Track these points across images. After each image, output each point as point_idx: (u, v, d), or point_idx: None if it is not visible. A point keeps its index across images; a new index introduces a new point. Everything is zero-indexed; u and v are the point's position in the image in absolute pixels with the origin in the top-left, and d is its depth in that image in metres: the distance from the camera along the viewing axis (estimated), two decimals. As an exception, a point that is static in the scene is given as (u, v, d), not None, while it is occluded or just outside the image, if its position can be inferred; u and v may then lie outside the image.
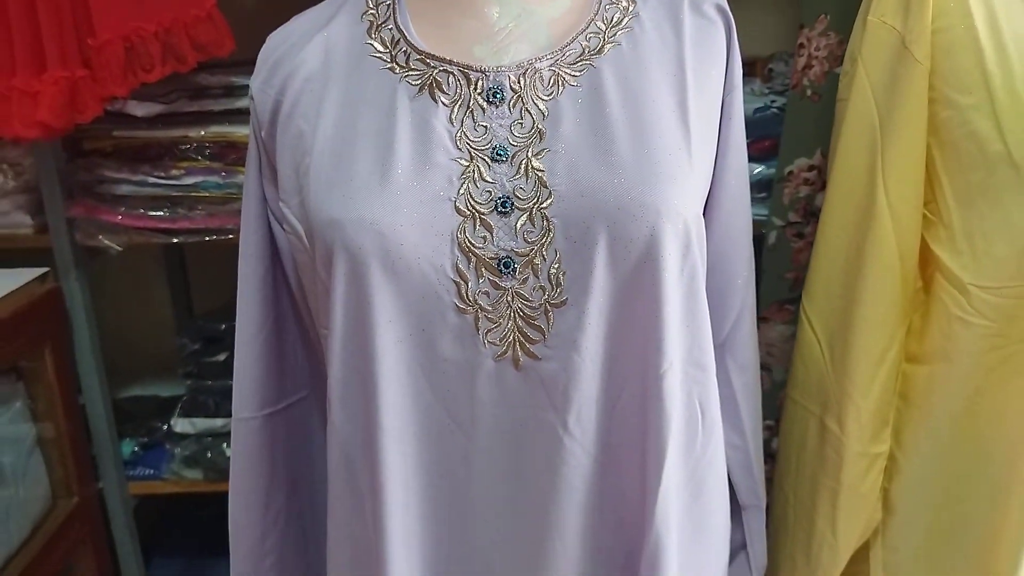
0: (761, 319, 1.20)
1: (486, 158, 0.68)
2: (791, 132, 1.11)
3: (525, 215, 0.68)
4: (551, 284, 0.68)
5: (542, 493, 0.72)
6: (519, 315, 0.69)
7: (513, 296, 0.68)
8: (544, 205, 0.67)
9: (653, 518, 0.71)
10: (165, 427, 1.43)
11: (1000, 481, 0.79)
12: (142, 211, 1.24)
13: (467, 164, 0.68)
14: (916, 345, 0.84)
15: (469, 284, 0.68)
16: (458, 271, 0.68)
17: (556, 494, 0.72)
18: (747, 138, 1.28)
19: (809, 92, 1.08)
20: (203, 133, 1.22)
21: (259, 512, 0.89)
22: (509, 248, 0.68)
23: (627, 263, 0.67)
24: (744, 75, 1.49)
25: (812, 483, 0.92)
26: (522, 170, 0.68)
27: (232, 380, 0.87)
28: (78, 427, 1.29)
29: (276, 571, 0.91)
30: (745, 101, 1.33)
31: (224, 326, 1.40)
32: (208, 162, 1.23)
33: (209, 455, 1.39)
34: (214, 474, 1.39)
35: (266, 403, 0.86)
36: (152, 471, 1.41)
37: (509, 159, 0.68)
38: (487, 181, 0.68)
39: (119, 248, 1.25)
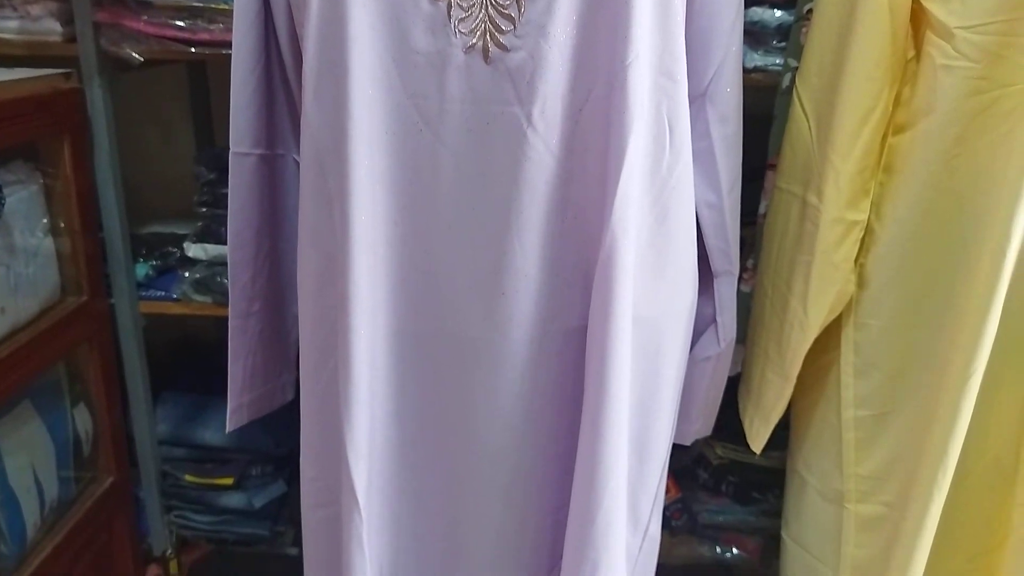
0: (769, 166, 1.18)
1: None
2: (812, -34, 1.07)
3: None
4: None
5: (505, 191, 0.73)
6: (490, 3, 0.69)
7: None
8: None
9: (610, 225, 0.71)
10: (178, 253, 1.46)
11: (971, 237, 0.76)
12: (164, 19, 1.27)
13: None
14: (904, 114, 0.82)
15: None
16: None
17: (518, 192, 0.72)
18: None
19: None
20: (226, -53, 1.25)
21: (250, 251, 0.92)
22: None
23: None
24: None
25: (790, 266, 0.90)
26: None
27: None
28: (92, 230, 1.33)
29: (260, 316, 0.95)
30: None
31: (241, 155, 1.43)
32: (230, -24, 1.26)
33: (219, 279, 1.40)
34: (223, 298, 1.40)
35: (258, 143, 0.89)
36: (163, 293, 1.45)
37: None
38: None
39: (140, 59, 1.28)
